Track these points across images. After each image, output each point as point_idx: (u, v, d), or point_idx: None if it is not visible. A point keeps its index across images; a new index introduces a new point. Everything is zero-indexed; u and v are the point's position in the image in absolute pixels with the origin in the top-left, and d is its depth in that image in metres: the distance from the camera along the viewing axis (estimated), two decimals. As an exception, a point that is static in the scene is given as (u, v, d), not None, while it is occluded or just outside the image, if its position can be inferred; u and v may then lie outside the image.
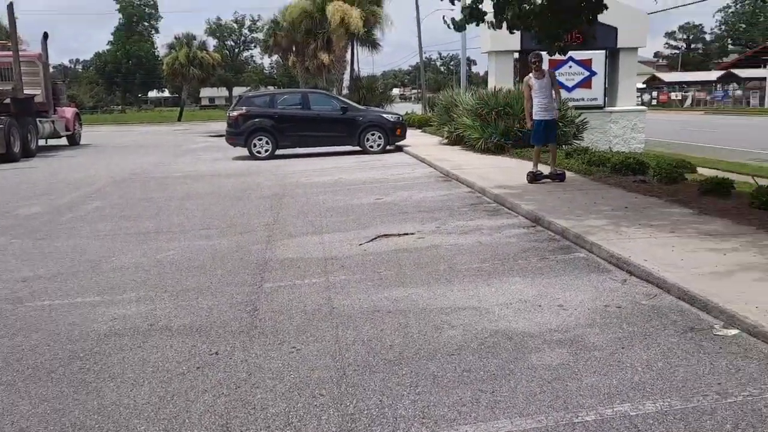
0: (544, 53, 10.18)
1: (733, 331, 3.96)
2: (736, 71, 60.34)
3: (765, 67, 50.67)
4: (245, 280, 5.60)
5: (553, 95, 9.92)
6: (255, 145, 16.77)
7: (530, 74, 9.95)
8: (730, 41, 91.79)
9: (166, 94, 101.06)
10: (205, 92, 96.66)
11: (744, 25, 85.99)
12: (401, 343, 4.06)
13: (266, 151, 16.76)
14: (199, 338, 4.27)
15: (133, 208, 9.64)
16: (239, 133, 16.88)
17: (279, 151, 17.10)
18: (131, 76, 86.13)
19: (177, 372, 3.75)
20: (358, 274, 5.67)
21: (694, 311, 4.37)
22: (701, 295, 4.40)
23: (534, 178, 10.03)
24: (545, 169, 10.24)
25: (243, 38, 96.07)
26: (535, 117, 9.93)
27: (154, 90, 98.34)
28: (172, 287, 5.47)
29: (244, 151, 17.05)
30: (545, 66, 10.46)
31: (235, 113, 16.97)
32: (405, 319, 4.49)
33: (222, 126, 18.82)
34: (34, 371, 3.83)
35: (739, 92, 55.67)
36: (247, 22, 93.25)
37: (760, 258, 5.25)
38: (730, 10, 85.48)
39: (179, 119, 51.58)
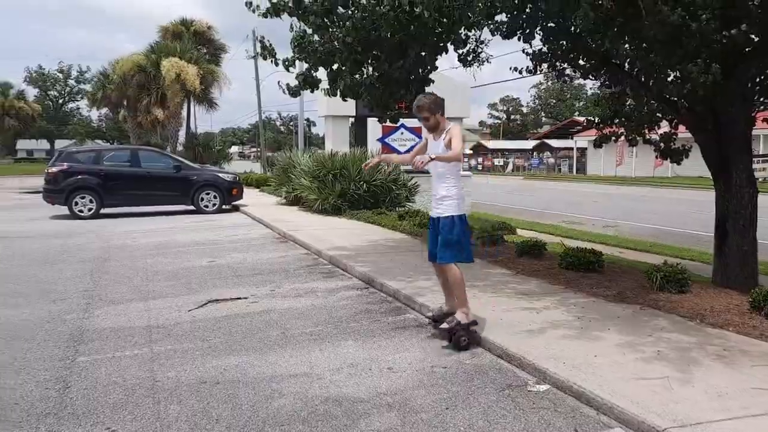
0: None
1: (545, 387, 4.26)
2: (549, 141, 66.99)
3: (572, 138, 56.75)
4: (56, 354, 5.11)
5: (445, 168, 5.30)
6: (77, 204, 15.68)
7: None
8: (543, 114, 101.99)
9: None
10: (23, 144, 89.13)
11: (554, 100, 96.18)
12: (229, 416, 3.89)
13: (90, 210, 15.72)
14: (-4, 424, 3.80)
15: (-75, 274, 8.51)
16: (59, 191, 15.71)
17: (105, 210, 16.11)
18: (-68, 124, 77.21)
19: (-35, 466, 3.29)
20: (186, 343, 5.40)
21: (511, 368, 4.65)
22: (517, 353, 4.71)
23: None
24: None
25: (68, 89, 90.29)
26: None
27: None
28: (-34, 366, 4.85)
29: (65, 210, 15.82)
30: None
31: (54, 169, 15.83)
32: (234, 389, 4.33)
33: (41, 182, 17.41)
34: None
35: (551, 160, 61.69)
36: (74, 73, 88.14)
37: (566, 315, 5.74)
38: (543, 87, 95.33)
39: (-10, 173, 46.95)
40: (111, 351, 5.20)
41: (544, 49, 7.87)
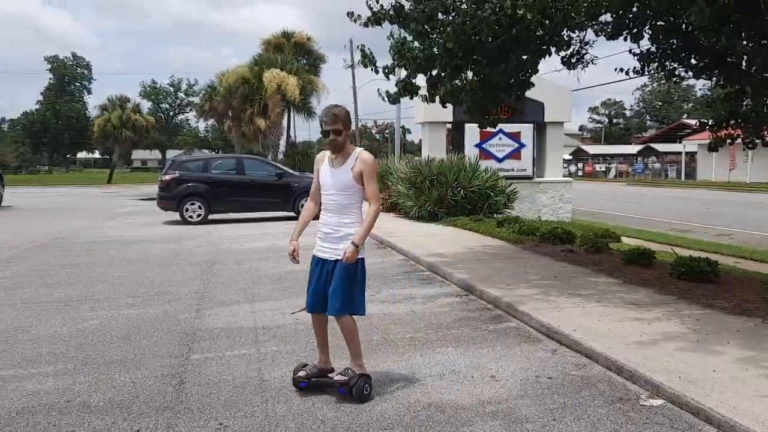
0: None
1: (659, 401, 4.05)
2: (654, 145, 64.04)
3: (680, 142, 53.99)
4: (172, 352, 5.39)
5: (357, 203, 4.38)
6: (187, 210, 16.52)
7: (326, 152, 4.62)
8: (648, 117, 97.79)
9: (97, 155, 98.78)
10: (138, 154, 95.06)
11: (660, 103, 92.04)
12: (333, 418, 3.96)
13: (198, 216, 16.52)
14: (120, 415, 4.04)
15: (55, 275, 9.20)
16: (171, 197, 16.62)
17: (212, 216, 16.88)
18: (60, 137, 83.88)
19: (93, 453, 3.52)
20: (290, 345, 5.55)
21: (621, 381, 4.47)
22: (628, 365, 4.51)
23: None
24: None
25: (178, 101, 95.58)
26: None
27: (84, 151, 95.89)
28: (93, 359, 5.20)
29: (176, 216, 16.72)
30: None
31: (167, 177, 16.76)
32: (337, 391, 4.40)
33: (154, 189, 18.51)
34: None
35: (657, 165, 58.93)
36: (183, 86, 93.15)
37: (680, 327, 5.45)
38: (647, 89, 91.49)
39: (109, 181, 50.29)
40: (221, 350, 5.42)
41: (653, 48, 7.56)
